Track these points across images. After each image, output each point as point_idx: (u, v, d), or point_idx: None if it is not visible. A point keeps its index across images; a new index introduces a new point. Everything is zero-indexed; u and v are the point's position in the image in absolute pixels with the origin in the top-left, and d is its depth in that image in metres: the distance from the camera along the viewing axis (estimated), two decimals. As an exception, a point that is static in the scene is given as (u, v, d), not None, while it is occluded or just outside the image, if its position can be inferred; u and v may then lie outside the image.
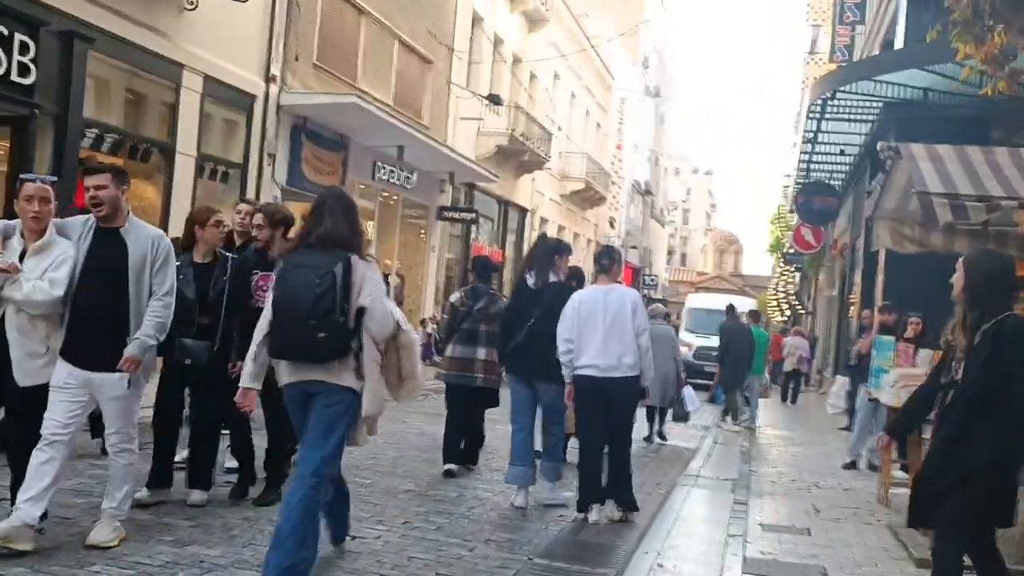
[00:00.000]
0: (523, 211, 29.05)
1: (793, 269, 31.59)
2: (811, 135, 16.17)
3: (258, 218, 6.08)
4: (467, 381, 7.52)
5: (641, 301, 6.40)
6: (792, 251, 27.83)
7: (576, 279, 8.14)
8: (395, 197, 20.24)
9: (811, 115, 14.88)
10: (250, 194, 14.22)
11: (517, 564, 5.05)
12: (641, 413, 9.05)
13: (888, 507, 7.35)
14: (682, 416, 11.54)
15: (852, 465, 9.74)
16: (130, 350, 4.63)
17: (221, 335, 5.66)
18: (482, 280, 7.92)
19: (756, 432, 13.10)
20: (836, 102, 13.87)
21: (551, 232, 32.17)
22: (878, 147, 8.85)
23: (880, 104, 13.80)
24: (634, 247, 47.73)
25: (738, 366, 13.53)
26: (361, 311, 4.30)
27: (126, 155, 11.80)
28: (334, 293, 4.19)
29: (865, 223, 9.13)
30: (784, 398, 20.41)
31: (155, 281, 4.75)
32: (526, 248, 29.91)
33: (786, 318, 34.99)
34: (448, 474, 7.39)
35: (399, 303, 19.32)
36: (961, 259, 4.06)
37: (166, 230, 12.48)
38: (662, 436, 11.51)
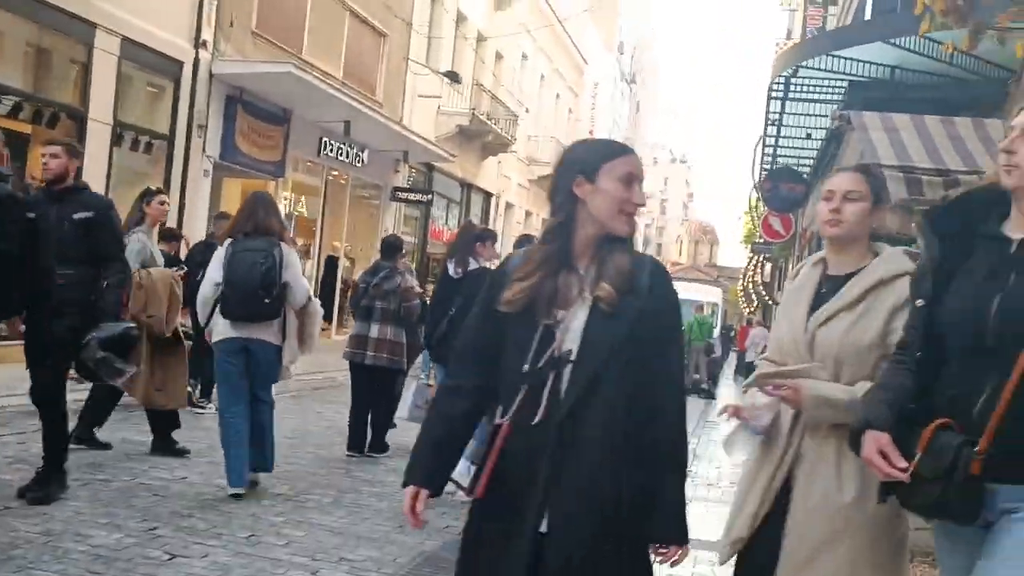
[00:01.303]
0: (488, 195, 28.21)
1: (762, 259, 30.90)
2: (775, 117, 15.40)
3: (54, 149, 5.42)
4: (359, 358, 7.50)
5: None
6: (761, 240, 27.13)
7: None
8: (346, 176, 19.36)
9: (773, 95, 14.10)
10: (178, 167, 13.35)
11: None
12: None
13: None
14: None
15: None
16: None
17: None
18: (385, 258, 7.90)
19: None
20: (799, 81, 13.09)
21: (518, 218, 31.40)
22: (830, 116, 8.09)
23: (845, 83, 13.03)
24: (606, 235, 47.09)
25: None
26: (285, 285, 5.64)
27: (29, 119, 10.91)
28: (274, 271, 5.54)
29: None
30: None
31: None
32: (490, 233, 29.21)
33: (753, 309, 34.36)
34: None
35: (347, 286, 18.49)
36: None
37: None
38: None
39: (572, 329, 2.24)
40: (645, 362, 2.23)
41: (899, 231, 6.97)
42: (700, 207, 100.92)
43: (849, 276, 2.80)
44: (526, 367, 2.23)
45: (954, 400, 2.12)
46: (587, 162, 2.30)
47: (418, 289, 7.99)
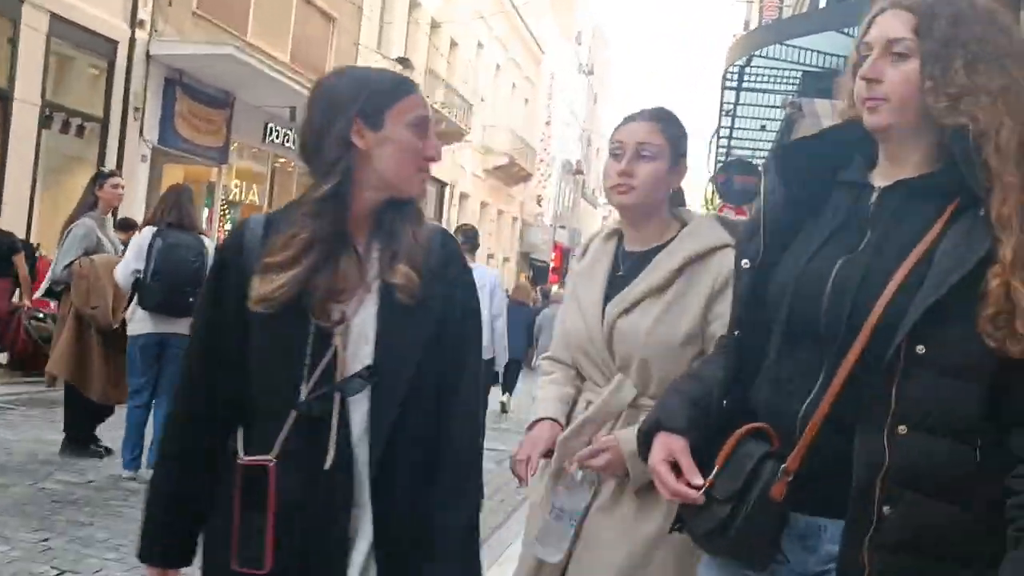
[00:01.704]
0: (442, 185, 27.79)
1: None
2: (730, 108, 15.22)
3: None
4: None
5: (500, 285, 6.32)
6: (716, 233, 27.02)
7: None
8: (293, 163, 18.86)
9: (728, 86, 13.90)
10: (113, 151, 12.81)
11: None
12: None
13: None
14: None
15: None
16: None
17: None
18: None
19: None
20: (754, 71, 12.91)
21: (473, 208, 31.02)
22: (782, 104, 7.86)
23: (799, 73, 12.87)
24: (563, 227, 46.85)
25: None
26: None
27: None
28: (203, 268, 5.44)
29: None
30: None
31: None
32: (444, 223, 28.84)
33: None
34: None
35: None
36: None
37: (1, 183, 11.10)
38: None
39: (359, 332, 1.65)
40: (441, 371, 1.67)
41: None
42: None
43: (652, 252, 2.19)
44: (303, 387, 1.61)
45: (771, 401, 1.55)
46: (369, 103, 1.67)
47: None
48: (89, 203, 6.23)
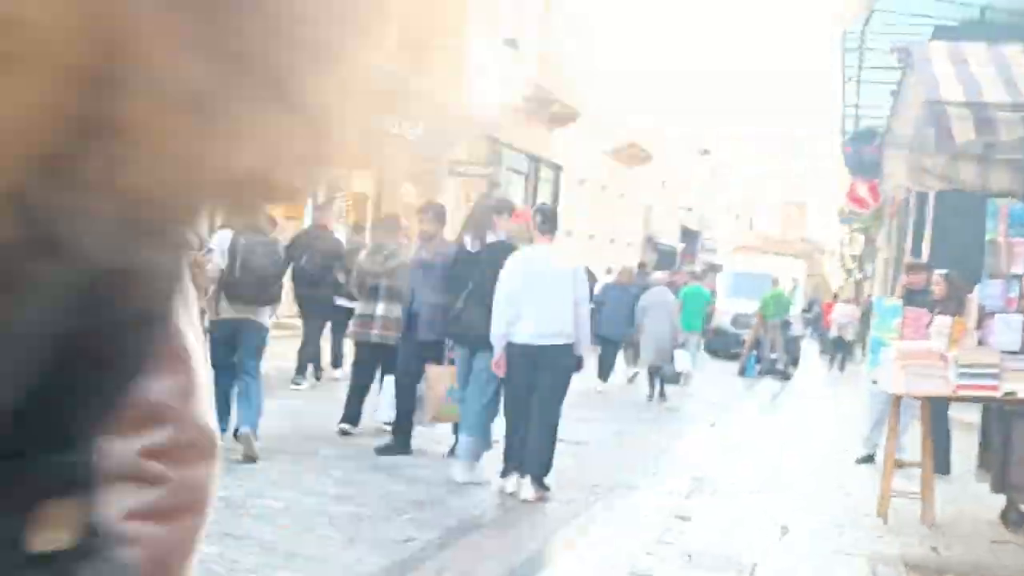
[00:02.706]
0: (557, 168, 27.23)
1: (852, 230, 29.16)
2: (853, 72, 14.06)
3: None
4: (364, 337, 7.41)
5: (581, 269, 6.15)
6: (848, 211, 25.49)
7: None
8: (399, 149, 18.66)
9: (847, 47, 12.79)
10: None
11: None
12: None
13: (885, 523, 5.56)
14: (672, 377, 12.12)
15: (868, 459, 7.92)
16: None
17: None
18: (386, 237, 8.02)
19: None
20: (876, 28, 11.80)
21: (591, 192, 30.32)
22: (889, 51, 6.96)
23: (931, 28, 11.69)
24: (689, 209, 45.54)
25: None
26: None
27: None
28: (280, 263, 6.46)
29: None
30: (832, 366, 19.66)
31: None
32: (562, 207, 28.24)
33: (841, 285, 32.61)
34: (341, 433, 7.13)
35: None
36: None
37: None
38: (662, 396, 11.92)
39: None
40: None
41: (981, 187, 5.88)
42: (794, 176, 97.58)
43: None
44: None
45: None
46: None
47: None
48: None
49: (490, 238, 6.35)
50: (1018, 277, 5.40)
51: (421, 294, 6.56)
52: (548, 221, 6.13)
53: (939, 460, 6.34)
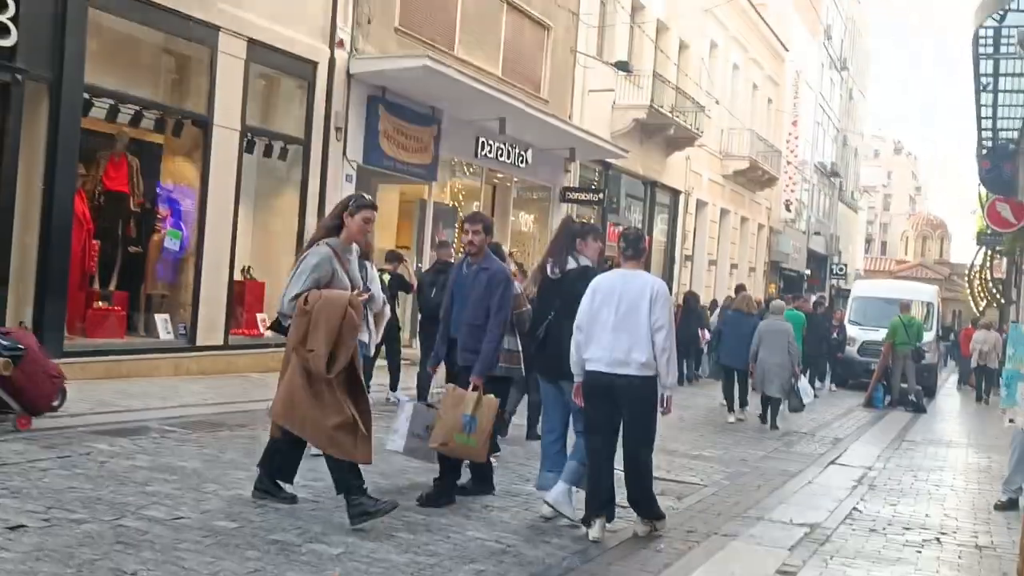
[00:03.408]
0: (675, 193, 26.52)
1: (992, 253, 27.27)
2: (988, 81, 13.03)
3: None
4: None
5: (667, 293, 5.56)
6: (989, 232, 23.84)
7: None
8: (510, 177, 18.46)
9: (981, 53, 11.82)
10: (315, 172, 12.84)
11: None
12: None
13: (1027, 586, 4.81)
14: (798, 407, 11.85)
15: (1009, 505, 7.07)
16: None
17: None
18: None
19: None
20: (1013, 31, 10.83)
21: (712, 216, 29.44)
22: (1010, 39, 6.19)
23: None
24: (818, 233, 43.85)
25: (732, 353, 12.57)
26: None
27: (151, 128, 10.71)
28: (364, 281, 5.87)
29: None
30: (978, 398, 18.88)
31: None
32: (680, 233, 27.50)
33: (982, 309, 30.51)
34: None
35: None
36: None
37: (205, 208, 11.32)
38: (774, 425, 11.83)
39: None
40: None
41: None
42: (930, 199, 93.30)
43: None
44: None
45: None
46: None
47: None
48: (332, 227, 5.39)
49: (570, 263, 6.06)
50: None
51: (461, 314, 5.98)
52: (631, 246, 5.74)
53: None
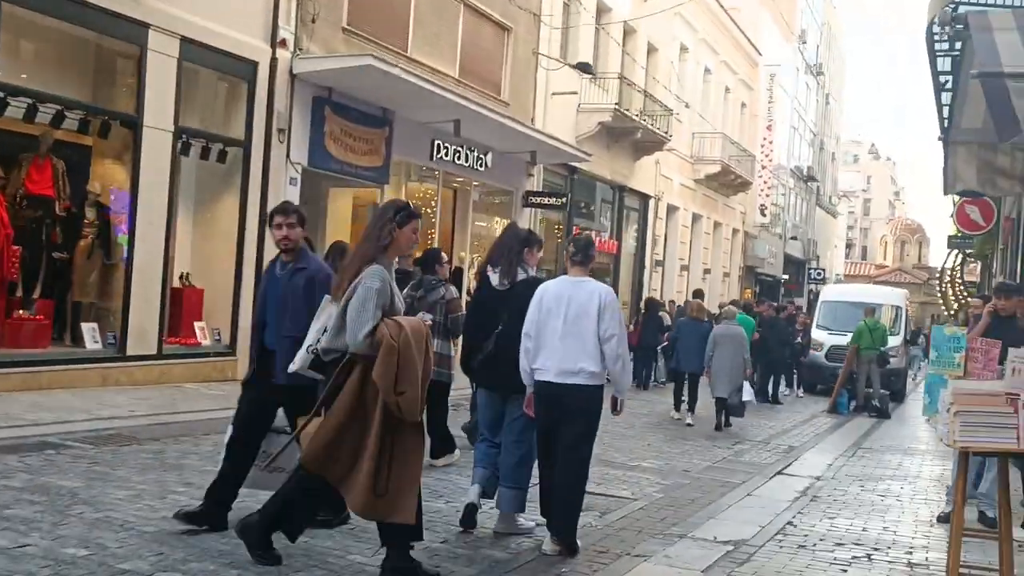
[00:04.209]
0: (645, 198, 26.19)
1: (965, 256, 27.01)
2: (946, 81, 12.68)
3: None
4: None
5: (615, 301, 5.43)
6: (959, 234, 23.57)
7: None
8: (475, 182, 18.09)
9: (938, 51, 11.47)
10: (257, 175, 12.42)
11: None
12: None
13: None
14: (737, 409, 12.00)
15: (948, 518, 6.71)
16: None
17: None
18: (427, 271, 7.81)
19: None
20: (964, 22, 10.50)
21: (683, 220, 29.14)
22: (936, 22, 5.87)
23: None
24: (794, 238, 43.67)
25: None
26: None
27: (75, 128, 10.28)
28: None
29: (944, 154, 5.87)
30: None
31: None
32: (650, 238, 27.15)
33: (953, 313, 30.29)
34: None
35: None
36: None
37: (135, 213, 10.88)
38: (727, 424, 12.11)
39: None
40: None
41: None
42: (909, 204, 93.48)
43: None
44: None
45: None
46: None
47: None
48: (381, 243, 4.48)
49: (519, 275, 5.82)
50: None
51: (279, 323, 5.17)
52: (581, 251, 5.57)
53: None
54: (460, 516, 5.57)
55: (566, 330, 5.26)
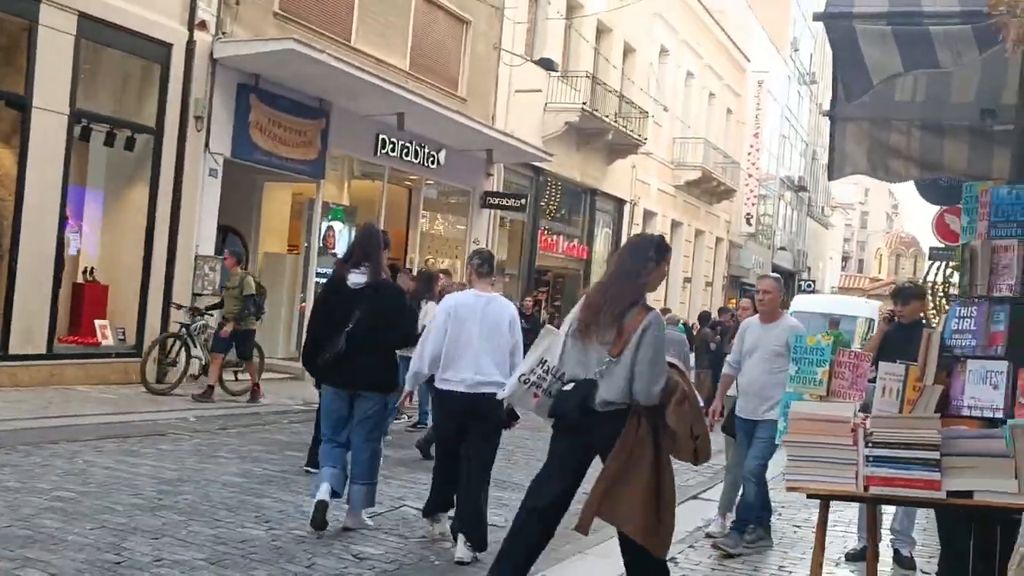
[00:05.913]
0: (620, 202, 25.39)
1: (945, 267, 26.20)
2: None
3: None
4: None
5: (518, 317, 5.86)
6: (944, 247, 22.74)
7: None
8: (427, 180, 17.30)
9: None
10: (170, 164, 11.63)
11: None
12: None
13: None
14: None
15: (862, 555, 5.87)
16: None
17: None
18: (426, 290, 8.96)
19: None
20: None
21: (662, 227, 28.31)
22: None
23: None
24: (783, 248, 42.82)
25: None
26: None
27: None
28: None
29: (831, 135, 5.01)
30: None
31: None
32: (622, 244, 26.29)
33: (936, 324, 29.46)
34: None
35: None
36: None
37: (21, 201, 10.09)
38: None
39: None
40: None
41: (969, 172, 4.01)
42: (908, 217, 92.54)
43: None
44: None
45: None
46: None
47: None
48: (639, 282, 4.21)
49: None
50: (1004, 300, 3.48)
51: None
52: (486, 263, 5.80)
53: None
54: (312, 516, 5.57)
55: (482, 341, 5.50)
